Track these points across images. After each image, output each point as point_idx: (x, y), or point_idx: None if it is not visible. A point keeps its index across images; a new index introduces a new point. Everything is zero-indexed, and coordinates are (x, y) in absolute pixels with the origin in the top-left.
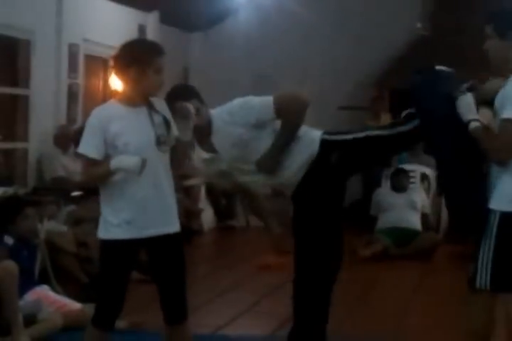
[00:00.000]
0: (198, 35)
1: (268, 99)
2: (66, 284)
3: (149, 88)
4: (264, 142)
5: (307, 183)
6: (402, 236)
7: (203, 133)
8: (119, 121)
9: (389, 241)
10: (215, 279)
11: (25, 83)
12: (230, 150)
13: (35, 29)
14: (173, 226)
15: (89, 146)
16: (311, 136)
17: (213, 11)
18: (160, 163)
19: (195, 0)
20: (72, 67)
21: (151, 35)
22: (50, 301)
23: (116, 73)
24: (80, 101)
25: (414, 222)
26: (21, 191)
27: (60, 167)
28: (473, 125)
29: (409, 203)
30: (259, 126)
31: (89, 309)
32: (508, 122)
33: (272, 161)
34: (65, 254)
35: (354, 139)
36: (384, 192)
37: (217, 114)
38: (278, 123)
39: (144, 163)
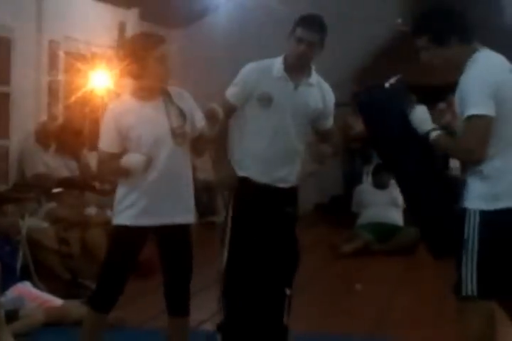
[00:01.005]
0: (178, 32)
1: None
2: (48, 280)
3: (154, 77)
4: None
5: None
6: (384, 231)
7: (307, 63)
8: (132, 114)
9: (370, 237)
10: (197, 275)
11: (6, 80)
12: (305, 101)
13: (14, 26)
14: (186, 217)
15: (105, 142)
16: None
17: (193, 8)
18: (176, 155)
19: None
20: (53, 65)
21: (131, 32)
22: (32, 297)
23: (124, 69)
24: (60, 98)
25: (396, 218)
26: (2, 188)
27: (41, 164)
28: (433, 134)
29: (391, 200)
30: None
31: (71, 305)
32: (475, 118)
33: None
34: (46, 251)
35: None
36: (365, 189)
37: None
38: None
39: (148, 163)
